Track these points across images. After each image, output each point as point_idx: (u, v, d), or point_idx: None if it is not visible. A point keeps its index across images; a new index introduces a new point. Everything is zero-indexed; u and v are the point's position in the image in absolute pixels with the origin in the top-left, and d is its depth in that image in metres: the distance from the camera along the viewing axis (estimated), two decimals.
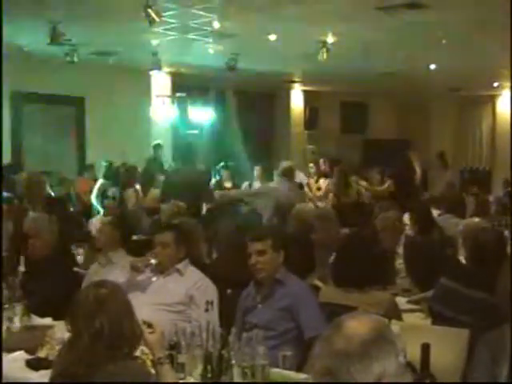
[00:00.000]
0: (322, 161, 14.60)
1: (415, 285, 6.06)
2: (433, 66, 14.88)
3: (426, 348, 3.12)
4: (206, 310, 3.93)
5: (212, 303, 3.98)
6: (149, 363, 3.42)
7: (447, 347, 3.89)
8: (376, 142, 20.50)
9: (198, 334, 3.76)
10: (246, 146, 18.05)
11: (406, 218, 8.93)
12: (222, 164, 14.70)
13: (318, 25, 10.93)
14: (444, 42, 12.19)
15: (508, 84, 17.59)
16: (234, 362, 3.59)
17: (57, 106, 14.54)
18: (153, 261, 4.96)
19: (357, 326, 2.09)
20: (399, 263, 6.50)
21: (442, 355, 3.61)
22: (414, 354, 3.51)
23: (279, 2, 9.58)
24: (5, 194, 9.13)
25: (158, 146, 14.64)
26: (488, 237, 4.79)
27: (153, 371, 3.27)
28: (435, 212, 10.05)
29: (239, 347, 3.62)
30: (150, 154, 14.59)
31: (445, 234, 8.38)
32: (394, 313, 4.56)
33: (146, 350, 3.44)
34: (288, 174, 10.61)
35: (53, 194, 12.19)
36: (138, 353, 3.42)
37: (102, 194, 11.82)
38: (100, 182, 12.34)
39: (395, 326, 3.34)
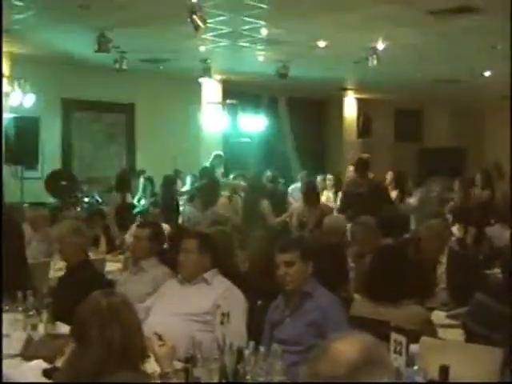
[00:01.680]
0: None
1: (453, 298, 5.83)
2: (488, 73, 14.55)
3: (444, 370, 2.93)
4: (222, 323, 3.76)
5: (228, 315, 3.81)
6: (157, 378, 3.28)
7: (479, 366, 3.67)
8: (431, 151, 20.19)
9: (216, 348, 3.61)
10: (299, 154, 17.91)
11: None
12: None
13: (368, 30, 10.75)
14: (499, 47, 11.88)
15: None
16: (249, 377, 3.43)
17: (107, 113, 14.62)
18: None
19: (344, 348, 1.92)
20: (441, 272, 6.25)
21: (472, 374, 3.41)
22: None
23: (328, 7, 9.43)
24: None
25: (217, 157, 14.39)
26: None
27: None
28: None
29: (256, 362, 3.46)
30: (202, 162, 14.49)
31: (494, 246, 8.14)
32: (428, 329, 4.34)
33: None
34: None
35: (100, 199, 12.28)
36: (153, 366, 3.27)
37: None
38: None
39: (414, 345, 3.15)
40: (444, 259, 6.28)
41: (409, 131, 20.81)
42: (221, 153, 14.52)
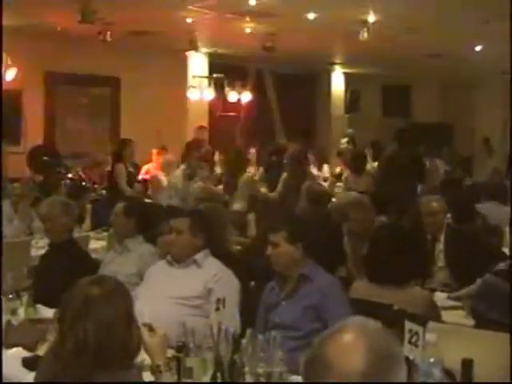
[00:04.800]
0: None
1: (455, 279, 5.62)
2: (479, 48, 14.30)
3: (468, 363, 2.69)
4: (217, 309, 3.51)
5: (223, 301, 3.56)
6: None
7: (491, 354, 3.45)
8: (419, 126, 19.99)
9: (210, 335, 3.36)
10: (285, 129, 17.68)
11: None
12: None
13: (359, 2, 10.46)
14: (492, 22, 11.63)
15: None
16: (247, 368, 3.19)
17: (91, 87, 14.28)
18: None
19: (350, 359, 1.65)
20: (439, 250, 6.06)
21: (485, 363, 3.19)
22: (455, 360, 3.12)
23: None
24: None
25: (200, 129, 14.18)
26: None
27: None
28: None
29: (254, 351, 3.21)
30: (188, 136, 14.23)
31: (488, 223, 7.93)
32: (433, 312, 4.12)
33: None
34: None
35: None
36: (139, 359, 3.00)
37: None
38: None
39: (432, 335, 2.92)
40: (442, 237, 6.08)
41: (397, 106, 20.60)
42: (203, 124, 14.30)
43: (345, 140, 14.52)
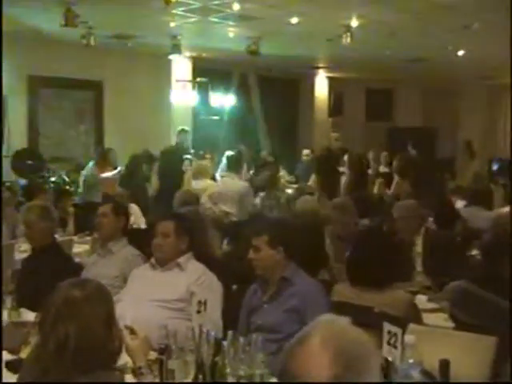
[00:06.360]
0: None
1: (432, 282, 5.66)
2: (461, 53, 14.39)
3: (445, 364, 2.73)
4: (198, 312, 3.54)
5: (205, 303, 3.58)
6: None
7: (472, 355, 3.49)
8: (402, 130, 20.12)
9: (192, 337, 3.38)
10: (269, 132, 17.74)
11: None
12: None
13: (342, 7, 10.51)
14: (474, 26, 11.70)
15: None
16: (228, 370, 3.22)
17: (74, 91, 14.20)
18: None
19: (316, 365, 1.65)
20: (417, 253, 6.10)
21: (465, 364, 3.23)
22: (435, 362, 3.15)
23: None
24: None
25: (182, 132, 14.16)
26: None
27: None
28: (461, 203, 9.68)
29: (235, 353, 3.24)
30: (172, 140, 14.23)
31: (469, 227, 7.97)
32: (414, 315, 4.15)
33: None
34: None
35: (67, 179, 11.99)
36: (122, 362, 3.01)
37: None
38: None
39: (410, 336, 2.95)
40: (419, 240, 6.12)
41: (380, 110, 20.74)
42: (186, 127, 14.27)
43: (306, 152, 14.68)
